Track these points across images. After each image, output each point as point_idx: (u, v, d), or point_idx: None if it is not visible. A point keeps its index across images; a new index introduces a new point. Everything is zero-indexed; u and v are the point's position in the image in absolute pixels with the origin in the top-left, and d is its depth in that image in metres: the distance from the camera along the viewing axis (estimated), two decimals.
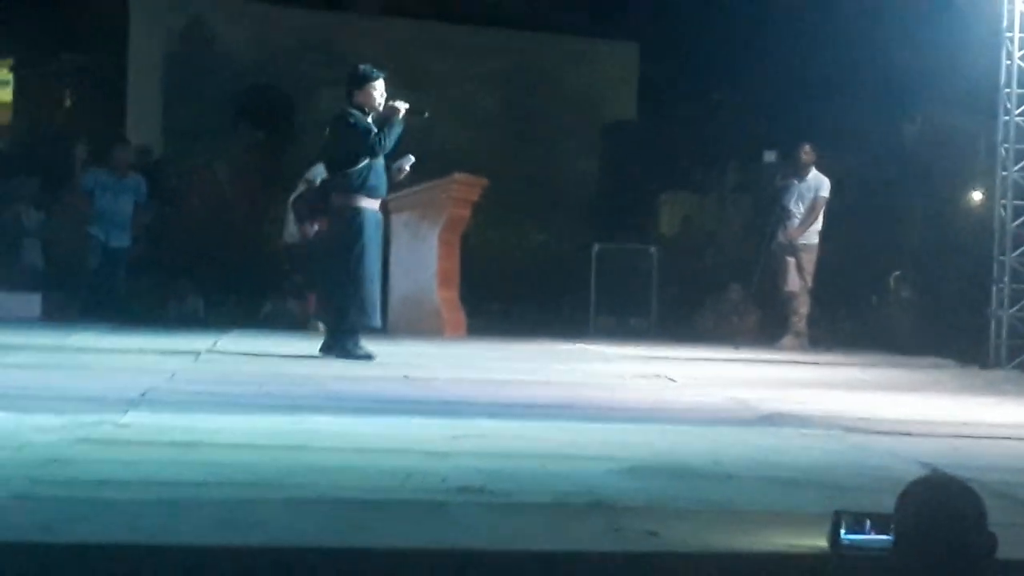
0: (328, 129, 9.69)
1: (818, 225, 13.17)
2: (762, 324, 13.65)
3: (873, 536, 3.41)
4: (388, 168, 9.49)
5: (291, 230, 13.39)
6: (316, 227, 12.40)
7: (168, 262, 14.90)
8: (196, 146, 17.67)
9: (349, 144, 9.33)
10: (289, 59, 18.34)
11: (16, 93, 20.15)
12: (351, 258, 9.30)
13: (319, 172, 12.45)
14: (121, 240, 13.73)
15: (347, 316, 9.38)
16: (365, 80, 9.41)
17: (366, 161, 9.29)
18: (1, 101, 20.66)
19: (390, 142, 9.31)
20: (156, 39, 18.21)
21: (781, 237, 13.18)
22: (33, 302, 13.63)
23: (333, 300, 9.60)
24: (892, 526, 3.33)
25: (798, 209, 13.17)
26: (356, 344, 9.38)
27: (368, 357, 9.28)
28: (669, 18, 18.02)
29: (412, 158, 9.67)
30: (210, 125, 17.94)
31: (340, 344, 9.40)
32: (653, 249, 15.31)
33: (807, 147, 13.28)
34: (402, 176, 9.76)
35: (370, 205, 9.40)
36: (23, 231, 15.02)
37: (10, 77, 20.34)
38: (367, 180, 9.32)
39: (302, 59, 18.35)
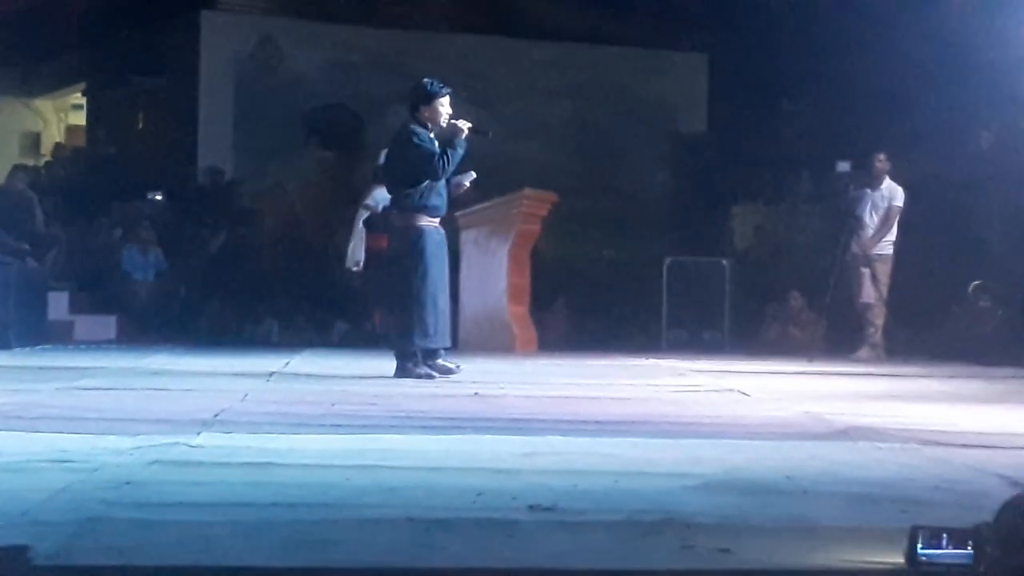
0: (392, 144, 9.66)
1: (892, 235, 13.04)
2: (828, 334, 13.45)
3: (951, 551, 3.34)
4: (447, 183, 9.45)
5: (354, 257, 13.14)
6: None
7: (242, 284, 15.00)
8: (267, 166, 17.80)
9: (412, 163, 9.30)
10: (358, 77, 18.44)
11: (89, 117, 20.42)
12: (414, 279, 9.28)
13: (379, 197, 12.39)
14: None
15: (411, 338, 9.37)
16: (432, 96, 9.36)
17: (427, 181, 9.28)
18: (75, 125, 20.96)
19: (452, 166, 9.27)
20: (226, 60, 18.37)
21: (855, 248, 13.05)
22: (108, 324, 13.80)
23: (399, 322, 9.56)
24: (970, 541, 3.27)
25: (872, 219, 13.04)
26: (416, 364, 9.38)
27: (429, 376, 9.28)
28: (738, 28, 17.92)
29: (473, 174, 9.64)
30: (281, 145, 18.07)
31: (400, 365, 9.40)
32: (725, 261, 15.19)
33: (881, 156, 13.15)
34: (461, 191, 9.73)
35: (430, 224, 9.37)
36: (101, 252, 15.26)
37: (83, 101, 20.62)
38: (428, 199, 9.30)
39: (371, 77, 18.44)
